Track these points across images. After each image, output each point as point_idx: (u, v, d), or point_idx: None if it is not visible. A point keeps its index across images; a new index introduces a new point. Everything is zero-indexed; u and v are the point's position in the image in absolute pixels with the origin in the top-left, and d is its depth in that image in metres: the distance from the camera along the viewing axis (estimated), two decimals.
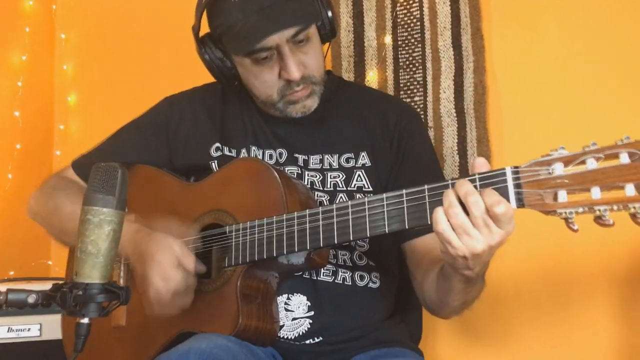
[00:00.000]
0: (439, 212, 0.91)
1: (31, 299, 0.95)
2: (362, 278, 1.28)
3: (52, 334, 1.73)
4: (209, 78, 1.40)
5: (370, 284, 1.28)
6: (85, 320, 0.93)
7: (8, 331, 1.71)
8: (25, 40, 2.25)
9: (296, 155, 1.32)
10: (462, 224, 0.89)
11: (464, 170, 1.72)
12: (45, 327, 1.74)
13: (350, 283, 1.26)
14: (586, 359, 1.56)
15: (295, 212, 1.12)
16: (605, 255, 1.53)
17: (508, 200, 0.88)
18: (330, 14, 1.28)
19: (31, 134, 2.25)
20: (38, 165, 2.27)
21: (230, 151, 1.34)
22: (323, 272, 1.25)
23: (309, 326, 1.22)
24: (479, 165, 0.93)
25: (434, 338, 1.68)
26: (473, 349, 1.71)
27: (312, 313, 1.22)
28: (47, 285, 1.85)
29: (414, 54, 1.82)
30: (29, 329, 1.73)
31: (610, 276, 1.54)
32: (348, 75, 1.89)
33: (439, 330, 1.69)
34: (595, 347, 1.55)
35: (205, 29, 1.30)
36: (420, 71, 1.80)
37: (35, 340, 1.73)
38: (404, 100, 1.78)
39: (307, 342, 1.22)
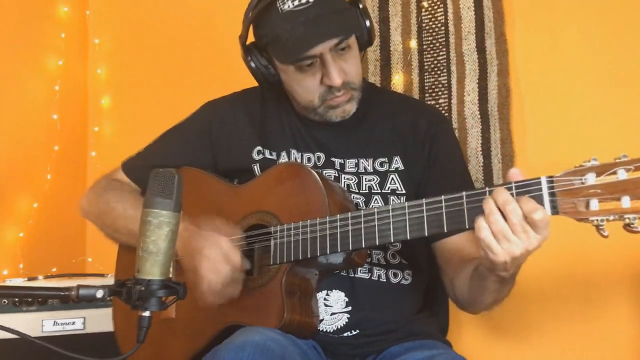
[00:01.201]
0: (481, 220, 0.99)
1: (99, 294, 1.03)
2: (395, 275, 1.35)
3: (95, 327, 1.82)
4: (238, 80, 1.47)
5: (403, 281, 1.36)
6: (147, 313, 1.01)
7: (54, 324, 1.81)
8: (61, 45, 2.33)
9: (333, 159, 1.40)
10: (502, 230, 0.96)
11: (487, 171, 1.79)
12: (88, 320, 1.83)
13: (385, 280, 1.34)
14: (606, 352, 1.63)
15: (338, 215, 1.19)
16: (625, 255, 1.59)
17: (542, 207, 0.95)
18: (368, 23, 1.35)
19: (68, 136, 2.33)
20: (74, 166, 2.36)
21: (271, 154, 1.42)
22: (360, 270, 1.33)
23: (346, 320, 1.29)
24: (514, 174, 1.00)
25: (459, 330, 1.75)
26: (496, 341, 1.78)
27: (349, 308, 1.30)
28: (87, 281, 1.95)
29: (439, 58, 1.88)
30: (73, 323, 1.82)
31: (630, 274, 1.60)
32: (374, 78, 1.95)
33: (464, 323, 1.77)
34: (615, 342, 1.61)
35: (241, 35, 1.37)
36: (445, 74, 1.87)
37: (79, 333, 1.82)
38: (430, 103, 1.85)
39: (345, 334, 1.30)
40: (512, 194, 0.97)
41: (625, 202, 0.86)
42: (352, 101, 1.35)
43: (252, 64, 1.36)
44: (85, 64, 2.45)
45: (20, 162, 2.18)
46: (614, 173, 0.87)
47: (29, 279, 1.95)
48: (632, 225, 0.86)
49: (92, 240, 2.36)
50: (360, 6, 1.35)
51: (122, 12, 2.47)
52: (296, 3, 1.24)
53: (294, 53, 1.26)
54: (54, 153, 2.27)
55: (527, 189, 0.97)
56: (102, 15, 2.49)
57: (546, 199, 0.95)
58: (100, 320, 1.82)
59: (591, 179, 0.89)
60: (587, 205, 0.89)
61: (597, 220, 0.88)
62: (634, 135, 1.59)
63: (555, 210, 0.94)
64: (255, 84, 1.42)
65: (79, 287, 1.01)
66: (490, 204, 0.98)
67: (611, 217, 0.87)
